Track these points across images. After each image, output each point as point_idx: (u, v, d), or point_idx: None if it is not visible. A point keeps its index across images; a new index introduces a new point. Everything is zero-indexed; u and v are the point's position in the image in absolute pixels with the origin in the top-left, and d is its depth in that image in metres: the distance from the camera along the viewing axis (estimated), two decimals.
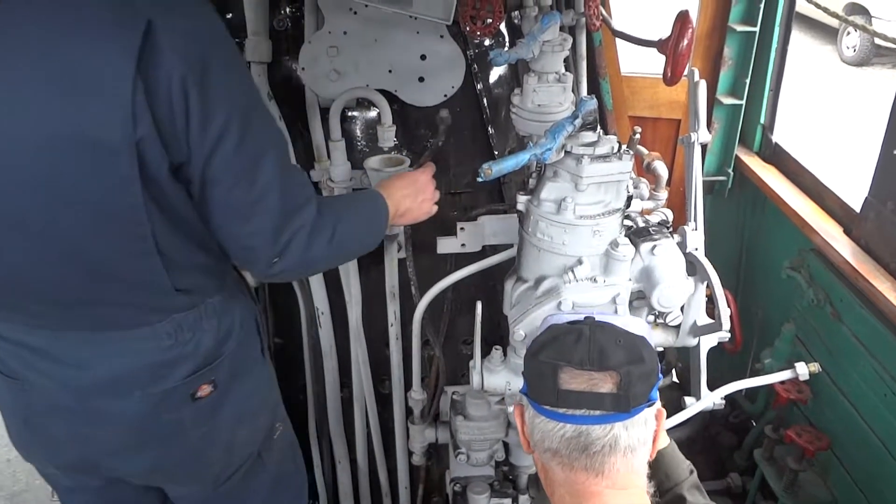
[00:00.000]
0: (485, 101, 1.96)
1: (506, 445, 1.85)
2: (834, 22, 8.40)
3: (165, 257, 1.28)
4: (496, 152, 2.01)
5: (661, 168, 1.73)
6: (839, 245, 2.19)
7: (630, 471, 1.08)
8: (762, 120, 2.76)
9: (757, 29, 2.63)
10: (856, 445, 2.15)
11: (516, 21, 1.96)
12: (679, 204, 1.65)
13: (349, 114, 1.92)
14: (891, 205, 2.03)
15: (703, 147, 1.81)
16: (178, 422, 1.45)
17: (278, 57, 1.83)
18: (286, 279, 1.96)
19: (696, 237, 1.55)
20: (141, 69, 1.08)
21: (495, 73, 1.99)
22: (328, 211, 1.38)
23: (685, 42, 1.62)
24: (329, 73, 1.78)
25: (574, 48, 2.14)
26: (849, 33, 8.71)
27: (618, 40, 2.41)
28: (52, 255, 1.23)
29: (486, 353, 1.64)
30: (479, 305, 1.65)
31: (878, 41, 8.32)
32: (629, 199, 1.50)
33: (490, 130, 1.99)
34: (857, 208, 2.20)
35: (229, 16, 1.83)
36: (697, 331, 1.55)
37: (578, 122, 1.39)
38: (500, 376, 1.62)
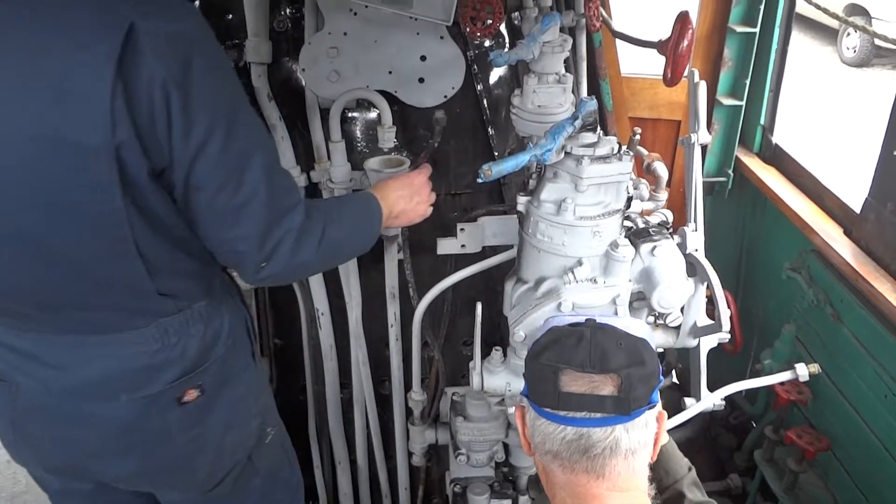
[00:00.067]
0: (485, 102, 1.96)
1: (506, 446, 1.85)
2: (834, 23, 8.40)
3: (147, 261, 1.27)
4: (496, 153, 2.01)
5: (661, 169, 1.73)
6: (839, 246, 2.19)
7: (631, 473, 1.08)
8: (762, 121, 2.76)
9: (757, 30, 2.63)
10: (856, 447, 2.15)
11: (516, 22, 1.96)
12: (679, 205, 1.64)
13: (349, 115, 1.91)
14: (891, 206, 2.03)
15: (703, 148, 1.80)
16: (164, 426, 1.44)
17: (278, 58, 1.83)
18: (277, 283, 1.93)
19: (696, 238, 1.55)
20: (122, 73, 1.07)
21: (495, 74, 1.99)
22: (317, 214, 1.37)
23: (685, 43, 1.62)
24: (329, 74, 1.78)
25: (574, 49, 2.14)
26: (849, 34, 8.71)
27: (618, 41, 2.41)
28: (34, 257, 1.22)
29: (486, 354, 1.64)
30: (479, 306, 1.65)
31: (878, 42, 8.33)
32: (629, 200, 1.50)
33: (490, 131, 1.99)
34: (858, 209, 2.20)
35: (229, 17, 1.84)
36: (697, 332, 1.55)
37: (578, 123, 1.39)
38: (500, 377, 1.62)
